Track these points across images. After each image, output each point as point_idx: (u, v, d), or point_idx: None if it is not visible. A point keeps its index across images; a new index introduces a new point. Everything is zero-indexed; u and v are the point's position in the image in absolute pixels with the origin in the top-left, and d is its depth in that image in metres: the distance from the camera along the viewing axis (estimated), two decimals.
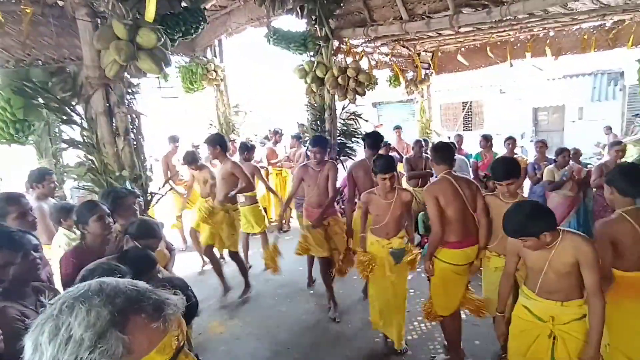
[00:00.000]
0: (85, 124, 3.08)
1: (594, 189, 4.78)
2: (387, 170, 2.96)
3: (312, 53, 5.08)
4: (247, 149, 5.17)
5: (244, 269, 4.50)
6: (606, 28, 5.69)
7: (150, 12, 2.80)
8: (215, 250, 4.58)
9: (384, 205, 3.08)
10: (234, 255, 4.47)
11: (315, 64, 4.97)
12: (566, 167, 4.78)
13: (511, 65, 6.45)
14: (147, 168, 3.45)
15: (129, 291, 0.68)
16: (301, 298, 4.41)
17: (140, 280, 1.51)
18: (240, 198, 5.04)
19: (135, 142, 3.27)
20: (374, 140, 4.15)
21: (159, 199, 3.51)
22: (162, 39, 2.92)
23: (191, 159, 5.04)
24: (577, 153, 5.32)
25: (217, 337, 3.74)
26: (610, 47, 5.80)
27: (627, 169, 2.48)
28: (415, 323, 3.71)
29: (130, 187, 2.98)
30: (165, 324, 0.68)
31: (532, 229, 1.90)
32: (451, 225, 2.80)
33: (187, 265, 5.43)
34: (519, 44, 6.31)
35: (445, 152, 2.98)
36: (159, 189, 3.63)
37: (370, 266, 3.19)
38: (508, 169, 2.68)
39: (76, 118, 3.11)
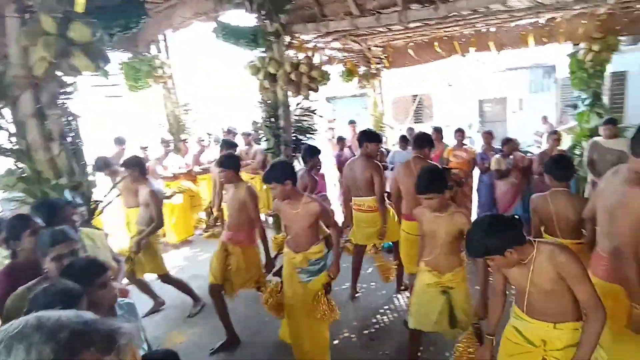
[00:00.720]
0: (13, 128, 2.79)
1: (536, 176, 5.11)
2: (265, 181, 2.82)
3: (263, 49, 4.96)
4: (228, 147, 4.78)
5: (182, 287, 4.14)
6: (540, 25, 6.07)
7: (79, 2, 2.58)
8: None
9: (291, 215, 2.85)
10: (164, 278, 4.06)
11: (267, 60, 4.87)
12: (511, 156, 5.07)
13: (463, 55, 6.72)
14: (88, 174, 3.20)
15: (74, 324, 0.61)
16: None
17: (92, 288, 1.38)
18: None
19: (73, 147, 3.01)
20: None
21: (104, 207, 3.27)
22: (98, 34, 2.70)
23: (102, 165, 4.37)
24: (515, 143, 5.62)
25: (178, 347, 3.55)
26: (544, 43, 6.19)
27: (557, 159, 2.96)
28: (378, 316, 3.77)
29: (69, 196, 2.74)
30: (119, 355, 0.63)
31: (494, 248, 1.68)
32: (404, 200, 3.44)
33: None
34: (464, 39, 6.58)
35: (417, 139, 3.65)
36: (105, 195, 3.38)
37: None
38: (428, 182, 2.42)
39: (2, 122, 2.80)
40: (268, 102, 5.20)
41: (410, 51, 7.24)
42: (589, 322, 1.66)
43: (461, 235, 2.44)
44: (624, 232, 1.90)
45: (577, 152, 6.03)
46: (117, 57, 6.05)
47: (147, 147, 6.07)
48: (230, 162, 3.40)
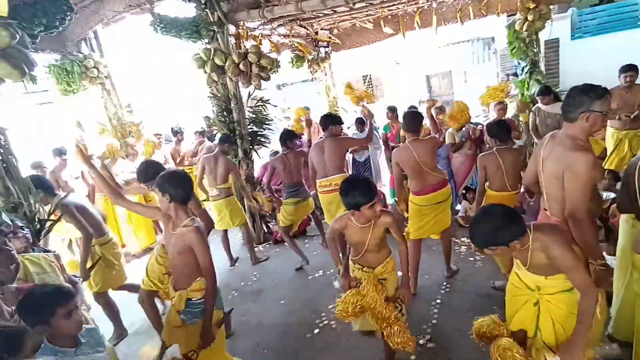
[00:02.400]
0: None
1: (487, 145, 5.32)
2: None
3: (207, 40, 4.72)
4: (228, 141, 4.60)
5: (112, 311, 3.80)
6: None
7: (2, 5, 2.28)
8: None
9: (169, 237, 2.30)
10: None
11: (212, 52, 4.64)
12: (463, 129, 5.24)
13: (413, 29, 6.79)
14: (27, 192, 2.90)
15: None
16: (241, 300, 4.24)
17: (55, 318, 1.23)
18: (214, 191, 4.54)
19: (4, 164, 2.71)
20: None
21: (51, 226, 3.00)
22: (18, 36, 2.41)
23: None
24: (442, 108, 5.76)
25: None
26: (483, 16, 6.41)
27: (497, 124, 3.64)
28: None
29: (7, 220, 2.46)
30: None
31: (501, 240, 1.76)
32: (412, 180, 3.51)
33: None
34: (407, 17, 6.65)
35: (410, 121, 3.46)
36: (49, 213, 3.09)
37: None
38: (354, 200, 2.21)
39: None
40: (219, 95, 4.99)
41: (359, 25, 7.20)
42: (582, 302, 1.76)
43: (387, 231, 2.45)
44: (576, 196, 1.96)
45: (521, 119, 6.36)
46: (43, 59, 5.52)
47: (91, 155, 5.62)
48: (151, 175, 2.88)
